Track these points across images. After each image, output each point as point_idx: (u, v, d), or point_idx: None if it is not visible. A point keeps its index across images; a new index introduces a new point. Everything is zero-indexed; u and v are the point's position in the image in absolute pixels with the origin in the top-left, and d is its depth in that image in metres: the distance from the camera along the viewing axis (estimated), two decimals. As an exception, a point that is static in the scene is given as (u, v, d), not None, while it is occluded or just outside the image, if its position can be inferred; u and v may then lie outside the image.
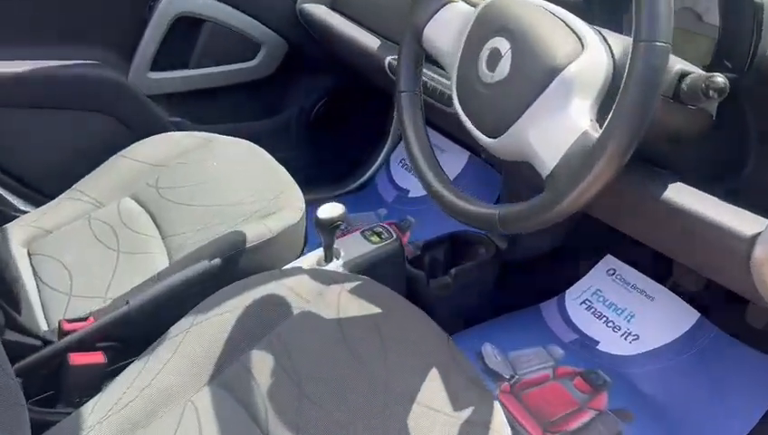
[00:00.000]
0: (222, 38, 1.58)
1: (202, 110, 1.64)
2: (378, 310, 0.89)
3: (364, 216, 1.79)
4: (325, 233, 1.07)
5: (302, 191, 1.19)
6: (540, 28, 0.71)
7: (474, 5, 0.83)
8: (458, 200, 0.80)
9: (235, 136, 1.30)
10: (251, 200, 1.14)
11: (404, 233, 1.73)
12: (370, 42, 1.38)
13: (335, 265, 1.12)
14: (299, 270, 0.98)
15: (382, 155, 1.92)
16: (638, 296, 1.38)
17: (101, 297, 1.02)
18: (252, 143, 1.29)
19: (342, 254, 1.14)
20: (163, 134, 1.32)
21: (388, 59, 1.29)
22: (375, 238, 1.19)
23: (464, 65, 0.79)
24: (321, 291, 0.92)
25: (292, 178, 1.21)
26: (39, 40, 1.43)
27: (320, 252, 1.13)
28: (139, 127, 1.50)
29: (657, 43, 0.58)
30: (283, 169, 1.23)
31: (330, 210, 1.05)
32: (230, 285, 0.93)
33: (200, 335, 0.85)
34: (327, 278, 0.95)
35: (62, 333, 0.95)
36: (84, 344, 0.95)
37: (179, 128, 1.50)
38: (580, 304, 1.42)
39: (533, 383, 1.28)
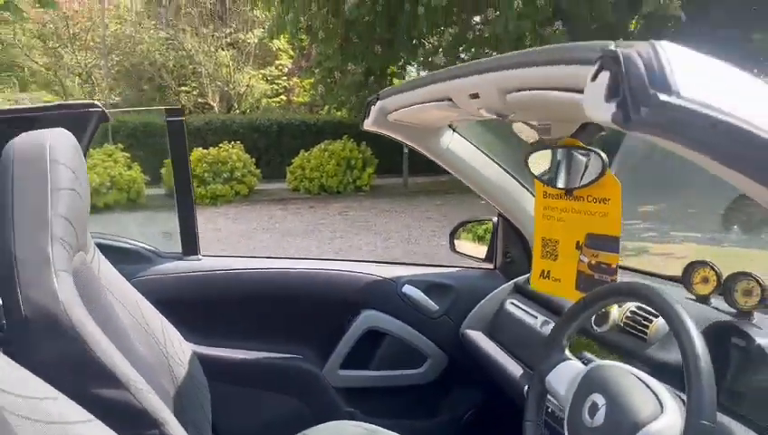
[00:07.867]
0: (398, 348, 1.94)
1: (372, 404, 1.94)
2: None
3: None
4: None
5: None
6: (629, 391, 0.94)
7: (586, 363, 1.07)
8: None
9: (395, 431, 1.53)
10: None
11: None
12: (515, 369, 1.63)
13: None
14: None
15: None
16: None
17: None
18: None
19: None
20: (337, 422, 1.60)
21: (526, 388, 1.51)
22: None
23: (572, 409, 1.02)
24: None
25: None
26: (258, 335, 1.90)
27: None
28: (319, 411, 1.84)
29: (704, 422, 0.80)
30: None
31: None
32: None
33: None
34: None
35: None
36: None
37: (352, 417, 1.81)
38: None
39: None
